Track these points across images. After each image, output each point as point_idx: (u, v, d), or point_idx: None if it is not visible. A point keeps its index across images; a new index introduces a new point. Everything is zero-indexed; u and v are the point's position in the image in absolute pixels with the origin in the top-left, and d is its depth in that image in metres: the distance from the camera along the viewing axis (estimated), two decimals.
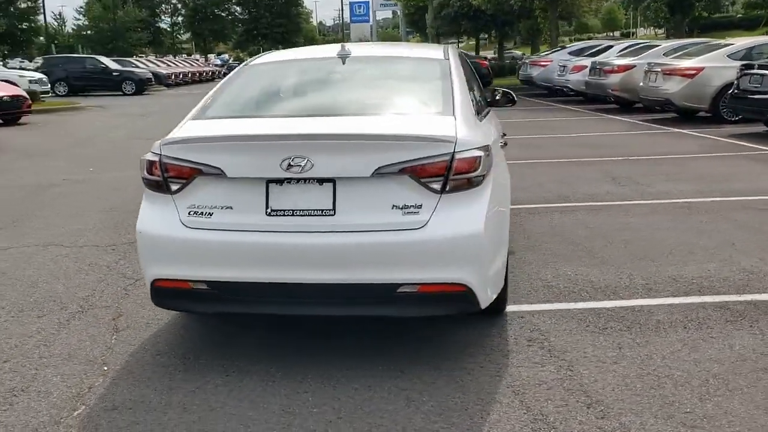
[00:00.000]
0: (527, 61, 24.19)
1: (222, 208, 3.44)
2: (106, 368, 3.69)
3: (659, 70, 14.25)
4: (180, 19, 70.62)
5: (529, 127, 14.58)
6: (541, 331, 4.03)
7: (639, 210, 6.88)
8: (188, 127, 3.76)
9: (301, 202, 3.38)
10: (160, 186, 3.54)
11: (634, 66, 16.14)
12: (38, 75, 25.91)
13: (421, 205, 3.34)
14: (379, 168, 3.31)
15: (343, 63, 4.32)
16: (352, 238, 3.33)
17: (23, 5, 51.15)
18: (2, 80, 20.18)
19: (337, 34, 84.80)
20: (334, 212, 3.36)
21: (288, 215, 3.38)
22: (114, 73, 32.11)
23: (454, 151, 3.35)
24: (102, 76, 31.89)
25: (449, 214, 3.35)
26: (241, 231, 3.40)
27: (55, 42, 59.58)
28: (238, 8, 68.21)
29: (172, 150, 3.50)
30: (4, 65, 42.31)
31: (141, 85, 32.31)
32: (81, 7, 61.00)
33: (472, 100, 4.37)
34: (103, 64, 32.29)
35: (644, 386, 3.36)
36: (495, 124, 4.93)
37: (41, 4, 52.10)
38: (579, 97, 20.36)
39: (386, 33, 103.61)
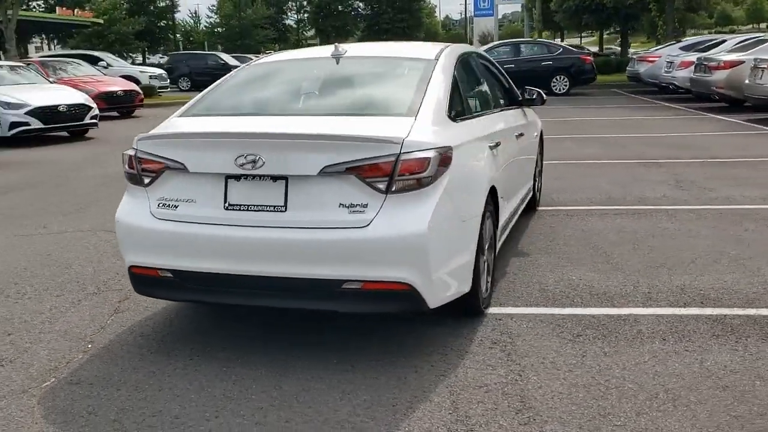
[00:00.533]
0: (635, 57, 23.24)
1: (186, 201, 3.65)
2: (90, 346, 3.99)
3: (765, 66, 13.37)
4: (305, 15, 72.49)
5: (620, 126, 14.11)
6: (510, 334, 3.99)
7: (685, 215, 6.56)
8: (167, 124, 4.01)
9: (256, 197, 3.54)
10: (136, 179, 3.81)
11: (742, 62, 15.15)
12: (158, 71, 27.54)
13: (366, 205, 3.41)
14: (325, 167, 3.40)
15: (337, 63, 4.44)
16: (301, 235, 3.46)
17: (162, 4, 54.42)
18: (124, 76, 21.73)
19: (463, 28, 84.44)
20: (286, 209, 3.49)
21: (243, 210, 3.55)
22: (232, 69, 33.43)
23: (399, 152, 3.40)
24: (222, 72, 32.70)
25: (394, 214, 3.40)
26: (201, 224, 3.60)
27: (191, 39, 62.80)
28: (360, 4, 69.23)
29: (145, 145, 3.75)
30: (143, 62, 45.02)
31: None
32: (213, 5, 64.05)
33: (461, 101, 4.37)
34: (223, 60, 33.72)
35: (587, 396, 3.28)
36: (496, 125, 4.84)
37: (177, 3, 55.21)
38: (687, 95, 19.33)
39: (512, 27, 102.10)
